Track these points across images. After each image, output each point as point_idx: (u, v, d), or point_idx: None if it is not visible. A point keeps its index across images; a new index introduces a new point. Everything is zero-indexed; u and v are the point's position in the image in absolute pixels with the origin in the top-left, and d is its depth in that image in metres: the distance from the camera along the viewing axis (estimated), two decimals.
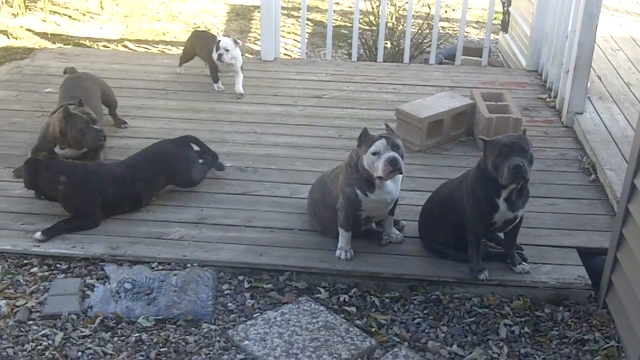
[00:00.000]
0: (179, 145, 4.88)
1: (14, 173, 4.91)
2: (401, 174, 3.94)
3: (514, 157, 3.72)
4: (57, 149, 4.82)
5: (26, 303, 3.79)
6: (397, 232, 4.33)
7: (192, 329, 3.70)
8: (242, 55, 6.48)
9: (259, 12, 9.21)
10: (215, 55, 6.21)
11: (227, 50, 6.18)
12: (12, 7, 9.37)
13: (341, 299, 3.96)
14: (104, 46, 8.50)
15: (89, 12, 9.71)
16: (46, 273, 4.03)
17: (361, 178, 3.99)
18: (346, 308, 3.90)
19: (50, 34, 8.88)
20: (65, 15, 9.59)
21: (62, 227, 4.34)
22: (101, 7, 9.54)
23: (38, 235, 4.25)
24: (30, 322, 3.68)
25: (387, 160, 3.84)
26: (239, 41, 6.37)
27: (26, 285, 3.94)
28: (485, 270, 4.03)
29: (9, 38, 8.65)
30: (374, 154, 3.88)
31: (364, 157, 3.93)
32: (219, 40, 6.22)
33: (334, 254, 4.17)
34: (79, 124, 4.84)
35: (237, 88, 6.34)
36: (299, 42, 8.63)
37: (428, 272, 4.10)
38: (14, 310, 3.75)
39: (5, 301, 3.80)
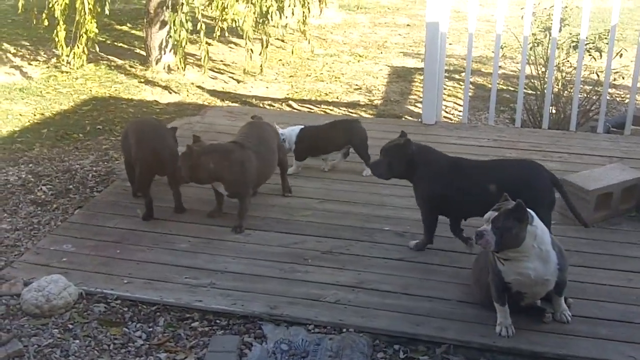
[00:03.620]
0: None
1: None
2: (494, 251, 3.80)
3: None
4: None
5: (186, 357, 3.88)
6: (566, 309, 4.12)
7: None
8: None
9: (420, 74, 9.29)
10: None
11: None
12: (184, 65, 9.89)
13: None
14: (269, 105, 8.79)
15: (255, 72, 10.07)
16: (206, 328, 4.12)
17: None
18: None
19: (219, 92, 9.28)
20: (234, 73, 10.02)
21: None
22: (263, 67, 9.88)
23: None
24: None
25: (476, 231, 3.78)
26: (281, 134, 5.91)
27: (187, 339, 4.04)
28: None
29: (180, 95, 9.12)
30: (485, 220, 3.82)
31: None
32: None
33: (493, 328, 4.02)
34: (188, 162, 5.04)
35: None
36: (459, 105, 8.59)
37: (594, 354, 3.87)
38: None
39: (166, 354, 3.92)
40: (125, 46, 11.17)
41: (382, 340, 4.02)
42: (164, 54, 9.90)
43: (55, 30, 8.99)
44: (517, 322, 4.03)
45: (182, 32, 8.95)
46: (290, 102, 8.98)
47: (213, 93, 9.24)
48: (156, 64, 9.89)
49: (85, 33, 8.98)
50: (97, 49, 9.44)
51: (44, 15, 9.07)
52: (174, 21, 9.00)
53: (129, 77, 9.70)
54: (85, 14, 8.77)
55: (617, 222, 5.30)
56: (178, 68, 9.47)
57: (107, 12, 9.40)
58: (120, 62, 10.26)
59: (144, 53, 10.28)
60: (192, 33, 9.20)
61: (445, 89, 8.39)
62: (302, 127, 6.16)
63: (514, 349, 3.92)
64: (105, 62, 10.21)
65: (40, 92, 9.05)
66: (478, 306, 4.23)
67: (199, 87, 9.47)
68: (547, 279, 3.92)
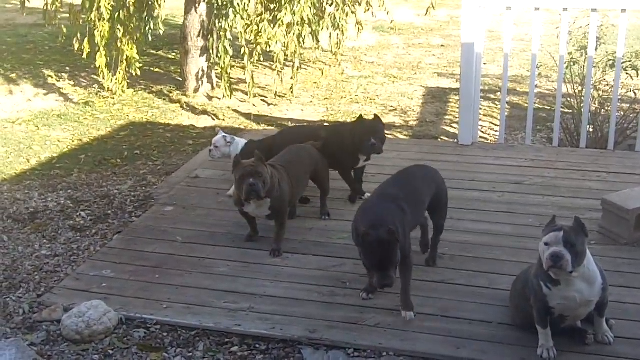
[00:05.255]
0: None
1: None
2: (569, 272, 3.71)
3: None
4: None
5: None
6: (607, 331, 4.07)
7: None
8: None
9: (455, 94, 9.27)
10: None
11: (217, 147, 6.12)
12: (219, 87, 9.98)
13: None
14: None
15: (287, 96, 10.12)
16: (245, 353, 4.12)
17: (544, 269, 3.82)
18: None
19: (255, 115, 9.34)
20: (269, 97, 10.08)
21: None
22: (291, 92, 9.92)
23: None
24: None
25: (550, 254, 3.69)
26: (231, 139, 6.14)
27: None
28: None
29: (217, 118, 9.19)
30: (546, 244, 3.75)
31: (539, 245, 3.81)
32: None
33: (535, 351, 3.97)
34: (240, 172, 4.98)
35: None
36: (495, 124, 8.55)
37: None
38: None
39: None
40: (162, 71, 11.32)
41: None
42: (200, 79, 10.00)
43: (96, 57, 9.15)
44: (559, 344, 3.98)
45: (227, 58, 9.04)
46: (326, 125, 8.99)
47: (249, 117, 9.30)
48: (193, 90, 10.00)
49: (126, 60, 9.13)
50: (138, 74, 9.56)
51: (85, 41, 9.24)
52: (217, 48, 9.08)
53: (166, 102, 9.82)
54: (125, 39, 8.93)
55: None
56: (224, 96, 9.55)
57: (149, 38, 9.58)
58: (156, 87, 10.39)
59: (180, 78, 10.40)
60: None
61: (480, 109, 8.36)
62: (247, 141, 6.23)
63: None
64: (141, 87, 10.34)
65: (78, 118, 9.19)
66: (519, 328, 4.18)
67: (234, 111, 9.54)
68: (591, 300, 3.87)
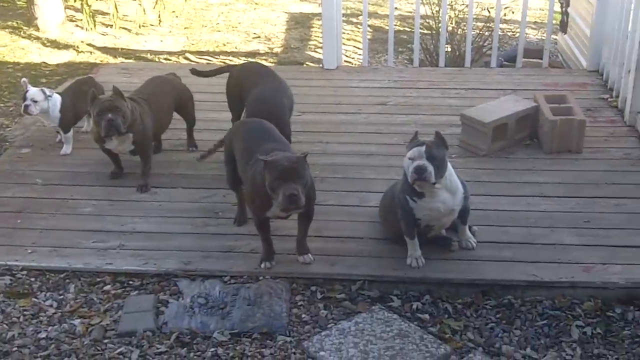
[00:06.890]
0: None
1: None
2: (432, 184, 3.86)
3: (290, 184, 3.72)
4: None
5: (101, 321, 3.83)
6: (470, 237, 4.28)
7: (268, 342, 3.70)
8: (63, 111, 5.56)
9: (319, 19, 9.23)
10: (22, 109, 5.53)
11: (36, 102, 5.41)
12: (71, 21, 9.53)
13: (414, 306, 3.95)
14: (165, 59, 8.58)
15: (149, 25, 9.80)
16: (119, 290, 4.07)
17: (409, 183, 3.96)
18: (419, 315, 3.89)
19: (111, 48, 8.99)
20: (125, 28, 9.71)
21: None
22: (159, 19, 9.61)
23: None
24: (106, 341, 3.71)
25: (414, 167, 3.83)
26: (50, 93, 5.52)
27: (100, 303, 3.98)
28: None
29: (71, 53, 8.80)
30: (410, 159, 3.90)
31: (404, 160, 3.94)
32: (27, 91, 5.43)
33: (405, 261, 4.14)
34: (97, 108, 4.83)
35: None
36: (358, 48, 8.60)
37: (499, 277, 4.07)
38: (89, 329, 3.79)
39: (79, 320, 3.86)
40: (6, 5, 10.66)
41: (299, 283, 4.08)
42: (52, 12, 9.49)
43: None
44: (427, 253, 4.17)
45: None
46: (188, 55, 8.79)
47: (105, 50, 8.93)
48: (44, 24, 9.48)
49: None
50: None
51: None
52: None
53: (13, 39, 9.27)
54: None
55: (513, 150, 5.52)
56: (86, 29, 9.21)
57: None
58: (2, 23, 9.78)
59: (28, 13, 9.83)
60: None
61: (344, 33, 8.39)
62: (57, 94, 5.63)
63: (426, 279, 4.07)
64: None
65: None
66: (388, 242, 4.34)
67: (89, 44, 9.13)
68: (454, 209, 4.06)
